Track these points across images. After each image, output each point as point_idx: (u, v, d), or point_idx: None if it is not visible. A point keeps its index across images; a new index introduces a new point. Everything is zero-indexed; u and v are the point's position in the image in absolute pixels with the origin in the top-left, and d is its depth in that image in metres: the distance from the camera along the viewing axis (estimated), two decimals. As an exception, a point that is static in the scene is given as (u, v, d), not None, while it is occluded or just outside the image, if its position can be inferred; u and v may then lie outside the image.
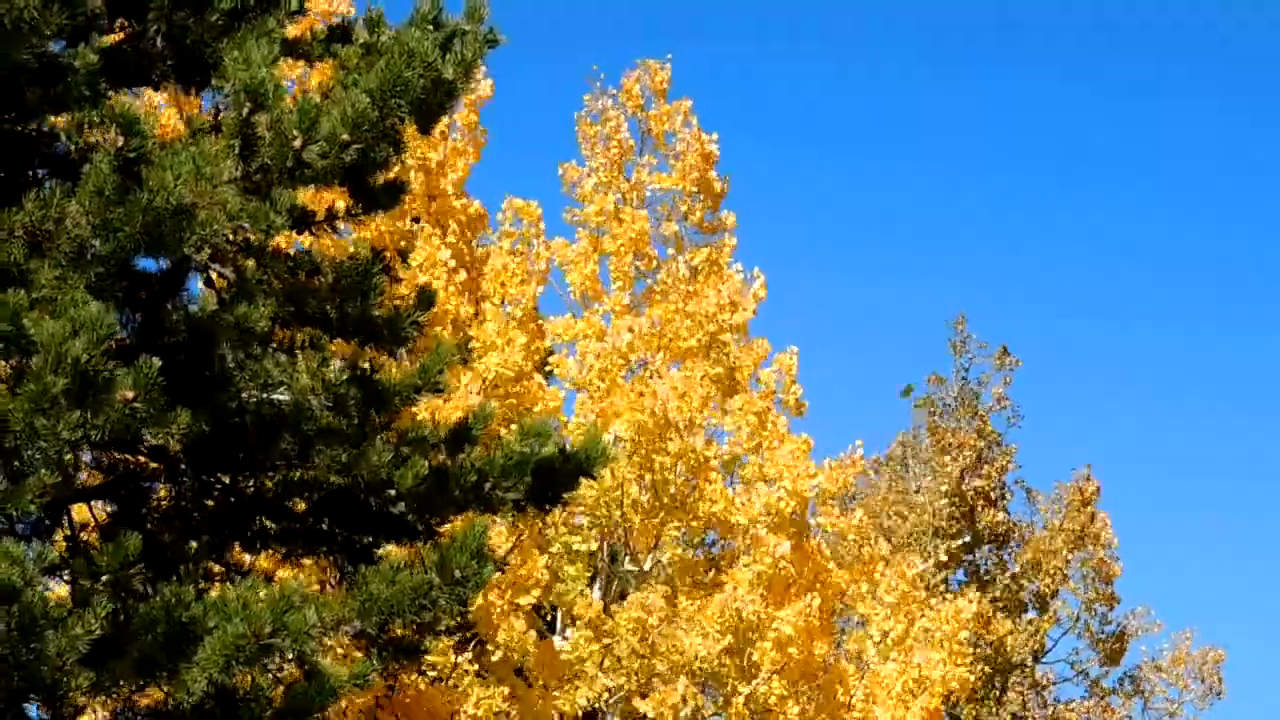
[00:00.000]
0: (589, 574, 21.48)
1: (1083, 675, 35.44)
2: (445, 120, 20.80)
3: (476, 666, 19.55)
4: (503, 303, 21.60)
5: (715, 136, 24.11)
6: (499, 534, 18.85)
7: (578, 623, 20.14)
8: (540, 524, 20.16)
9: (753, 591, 19.81)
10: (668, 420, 20.26)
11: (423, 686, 18.92)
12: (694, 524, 20.98)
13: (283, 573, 13.23)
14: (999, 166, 76.39)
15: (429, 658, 18.42)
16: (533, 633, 19.77)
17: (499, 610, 19.21)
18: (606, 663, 19.87)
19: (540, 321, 21.88)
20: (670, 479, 20.54)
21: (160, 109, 17.13)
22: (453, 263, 20.90)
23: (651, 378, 20.85)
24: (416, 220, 21.71)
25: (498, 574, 18.98)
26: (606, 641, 19.89)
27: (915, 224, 74.72)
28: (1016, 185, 75.00)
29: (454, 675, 19.33)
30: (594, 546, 21.39)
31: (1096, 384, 69.71)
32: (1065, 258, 75.04)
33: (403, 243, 20.59)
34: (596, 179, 23.65)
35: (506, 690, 19.44)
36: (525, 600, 19.52)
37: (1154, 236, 74.25)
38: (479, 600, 18.73)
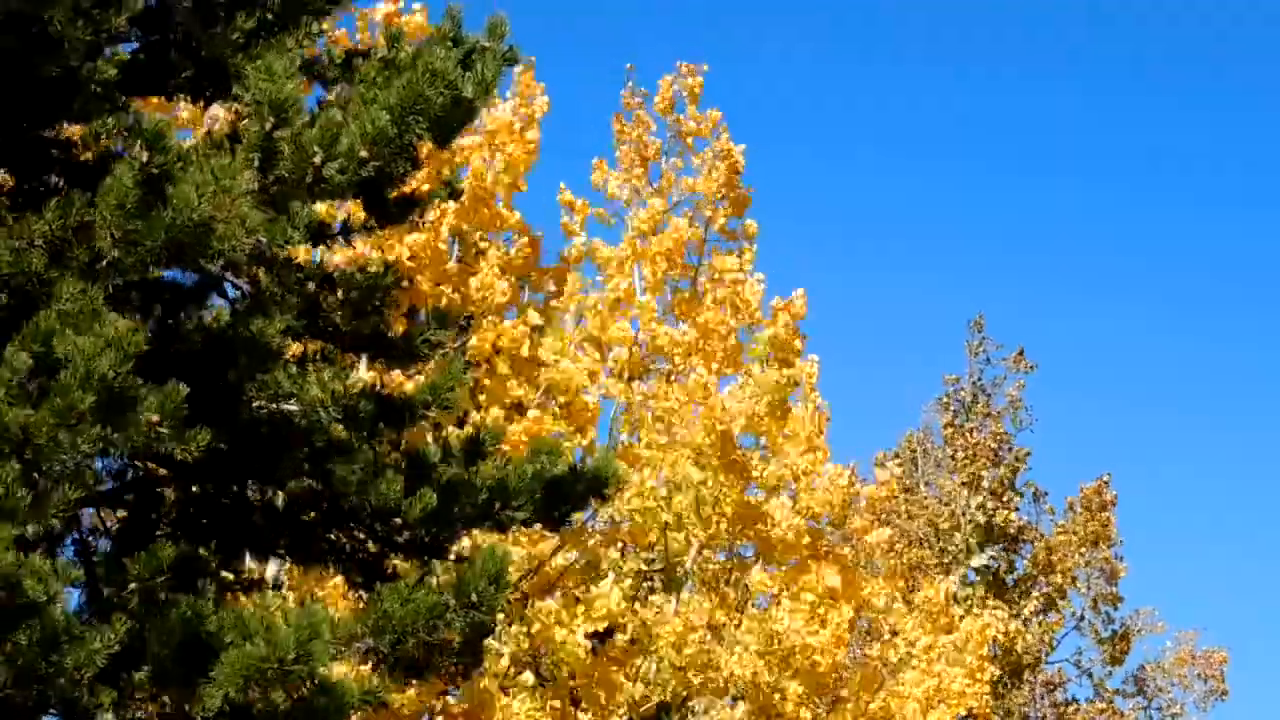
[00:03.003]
0: (633, 593, 21.33)
1: (1086, 675, 35.36)
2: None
3: (534, 680, 19.45)
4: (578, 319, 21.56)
5: (743, 148, 24.03)
6: (533, 537, 18.79)
7: (619, 634, 20.00)
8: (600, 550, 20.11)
9: (795, 618, 19.71)
10: (728, 441, 20.09)
11: (483, 684, 18.75)
12: (739, 539, 20.85)
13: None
14: (1016, 168, 75.85)
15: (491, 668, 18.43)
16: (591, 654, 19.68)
17: (561, 635, 19.10)
18: (641, 671, 19.79)
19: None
20: (725, 500, 20.31)
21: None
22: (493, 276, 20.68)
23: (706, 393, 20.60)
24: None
25: (572, 604, 19.03)
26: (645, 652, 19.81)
27: (925, 225, 74.23)
28: (1032, 187, 74.55)
29: (507, 680, 19.21)
30: (644, 566, 21.22)
31: (1102, 383, 69.33)
32: (1085, 260, 74.58)
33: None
34: (623, 179, 23.54)
35: (557, 703, 19.39)
36: (592, 628, 19.44)
37: (1161, 235, 73.90)
38: (536, 625, 18.77)
